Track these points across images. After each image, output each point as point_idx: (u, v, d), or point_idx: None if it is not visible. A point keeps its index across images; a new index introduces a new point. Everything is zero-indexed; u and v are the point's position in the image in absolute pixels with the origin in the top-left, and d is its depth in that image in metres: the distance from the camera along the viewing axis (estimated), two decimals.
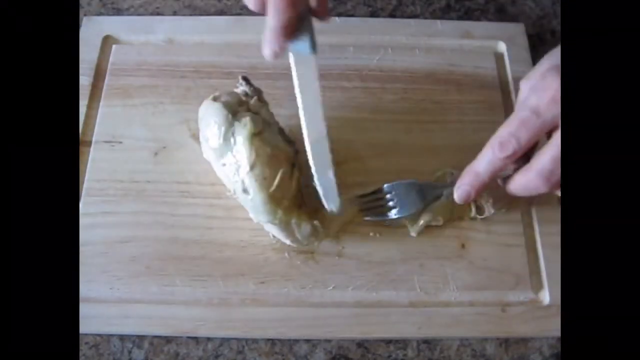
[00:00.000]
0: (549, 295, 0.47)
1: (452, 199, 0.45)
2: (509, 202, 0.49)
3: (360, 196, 0.49)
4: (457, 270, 0.47)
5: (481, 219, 0.49)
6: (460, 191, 0.42)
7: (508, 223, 0.49)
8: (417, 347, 0.46)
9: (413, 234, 0.48)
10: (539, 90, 0.36)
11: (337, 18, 0.60)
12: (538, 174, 0.37)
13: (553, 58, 0.38)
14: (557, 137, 0.36)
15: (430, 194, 0.47)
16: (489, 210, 0.49)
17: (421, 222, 0.48)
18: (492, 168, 0.39)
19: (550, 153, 0.36)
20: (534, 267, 0.48)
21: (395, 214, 0.47)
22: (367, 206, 0.49)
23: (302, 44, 0.38)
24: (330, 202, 0.45)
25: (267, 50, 0.37)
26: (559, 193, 0.39)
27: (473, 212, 0.49)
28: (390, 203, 0.48)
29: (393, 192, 0.48)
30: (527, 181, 0.38)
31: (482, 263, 0.48)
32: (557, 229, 0.48)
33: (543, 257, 0.48)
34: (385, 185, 0.48)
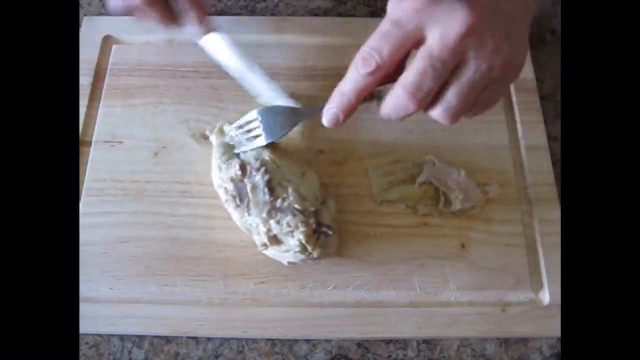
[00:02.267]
0: (549, 295, 0.47)
1: (424, 188, 0.47)
2: (481, 202, 0.49)
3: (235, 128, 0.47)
4: (457, 270, 0.47)
5: (450, 212, 0.49)
6: (328, 114, 0.39)
7: (508, 223, 0.49)
8: (417, 347, 0.46)
9: (377, 198, 0.50)
10: (401, 0, 0.35)
11: (337, 18, 0.60)
12: (403, 89, 0.35)
13: None
14: (423, 49, 0.34)
15: (299, 117, 0.44)
16: (455, 205, 0.49)
17: (386, 194, 0.50)
18: (357, 86, 0.37)
19: (415, 66, 0.34)
20: (534, 267, 0.48)
21: (263, 141, 0.45)
22: (237, 140, 0.47)
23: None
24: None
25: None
26: (435, 115, 0.37)
27: (441, 204, 0.49)
28: (257, 131, 0.45)
29: (260, 118, 0.45)
30: (394, 100, 0.36)
31: (482, 263, 0.48)
32: (557, 229, 0.48)
33: (543, 257, 0.48)
34: (254, 111, 0.45)
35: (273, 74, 0.56)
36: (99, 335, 0.46)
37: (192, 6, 0.48)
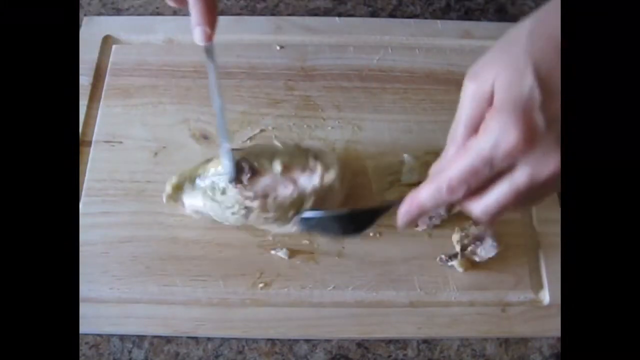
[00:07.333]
0: (549, 295, 0.47)
1: None
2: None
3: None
4: (457, 270, 0.47)
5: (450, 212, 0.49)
6: (404, 219, 0.39)
7: (508, 223, 0.49)
8: (417, 347, 0.46)
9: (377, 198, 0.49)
10: (496, 136, 0.33)
11: (337, 18, 0.60)
12: (483, 213, 0.36)
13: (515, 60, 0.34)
14: (509, 178, 0.34)
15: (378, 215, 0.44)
16: (456, 205, 0.48)
17: (386, 194, 0.50)
18: (438, 204, 0.38)
19: (499, 192, 0.35)
20: (534, 267, 0.48)
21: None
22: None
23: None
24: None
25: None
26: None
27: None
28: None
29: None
30: (474, 213, 0.37)
31: (482, 263, 0.48)
32: (557, 229, 0.48)
33: (543, 257, 0.48)
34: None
35: (273, 74, 0.56)
36: (99, 335, 0.46)
37: (200, 21, 0.43)
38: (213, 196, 0.46)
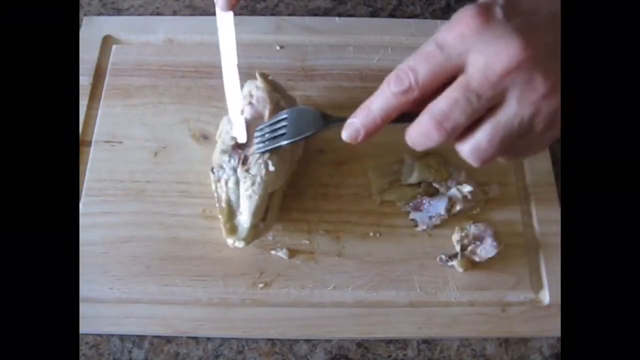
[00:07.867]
0: (549, 295, 0.47)
1: (424, 189, 0.48)
2: (481, 202, 0.50)
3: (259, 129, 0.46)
4: (457, 270, 0.47)
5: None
6: (349, 129, 0.36)
7: (508, 223, 0.49)
8: (417, 347, 0.46)
9: (377, 198, 0.50)
10: (451, 23, 0.32)
11: (337, 18, 0.60)
12: (430, 116, 0.32)
13: None
14: (461, 77, 0.32)
15: (327, 123, 0.42)
16: (456, 205, 0.49)
17: (386, 194, 0.50)
18: (385, 106, 0.34)
19: (447, 95, 0.32)
20: (534, 267, 0.48)
21: (284, 140, 0.43)
22: (260, 139, 0.45)
23: None
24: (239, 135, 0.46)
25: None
26: (462, 152, 0.34)
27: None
28: (281, 130, 0.43)
29: (287, 117, 0.43)
30: (419, 126, 0.33)
31: (482, 263, 0.48)
32: (557, 229, 0.48)
33: (543, 257, 0.48)
34: (284, 111, 0.44)
35: (272, 74, 0.56)
36: (99, 335, 0.46)
37: None
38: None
